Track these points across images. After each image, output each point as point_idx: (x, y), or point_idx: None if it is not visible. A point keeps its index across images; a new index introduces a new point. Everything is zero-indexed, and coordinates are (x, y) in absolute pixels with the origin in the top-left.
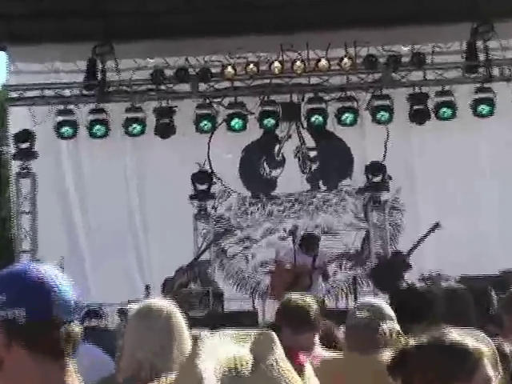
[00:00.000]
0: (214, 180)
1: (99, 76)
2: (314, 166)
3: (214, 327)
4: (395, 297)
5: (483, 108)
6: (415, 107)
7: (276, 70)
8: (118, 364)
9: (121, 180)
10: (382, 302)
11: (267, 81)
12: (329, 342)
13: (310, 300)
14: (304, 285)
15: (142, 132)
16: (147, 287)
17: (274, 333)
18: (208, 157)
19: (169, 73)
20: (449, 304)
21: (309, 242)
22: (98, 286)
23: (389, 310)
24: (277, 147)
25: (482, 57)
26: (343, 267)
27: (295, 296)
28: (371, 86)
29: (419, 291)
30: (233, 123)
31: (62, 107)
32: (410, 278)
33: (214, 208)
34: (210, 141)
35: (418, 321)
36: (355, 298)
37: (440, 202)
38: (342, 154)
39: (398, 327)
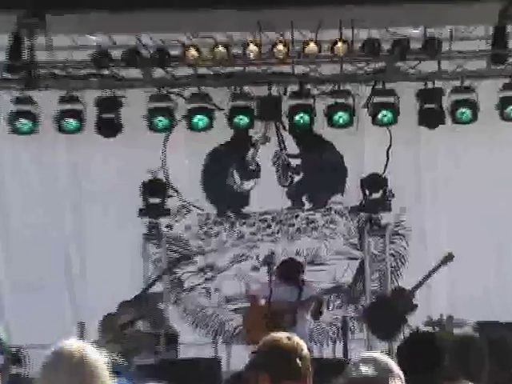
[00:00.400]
0: (170, 192)
1: (26, 55)
2: (297, 178)
3: (167, 378)
4: (398, 346)
5: None
6: (426, 106)
7: (251, 54)
8: None
9: (50, 189)
10: (386, 357)
11: (240, 68)
12: None
13: (297, 340)
14: (285, 326)
15: (79, 129)
16: (81, 325)
17: None
18: (163, 163)
19: (115, 54)
20: (461, 356)
21: (290, 270)
22: (19, 325)
23: (397, 368)
24: (250, 152)
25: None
26: (331, 306)
27: (277, 335)
28: (371, 78)
29: (426, 339)
30: (195, 120)
31: None
32: (415, 321)
33: (169, 227)
34: (165, 142)
35: (424, 375)
36: (345, 346)
37: (454, 228)
38: (332, 164)
39: None
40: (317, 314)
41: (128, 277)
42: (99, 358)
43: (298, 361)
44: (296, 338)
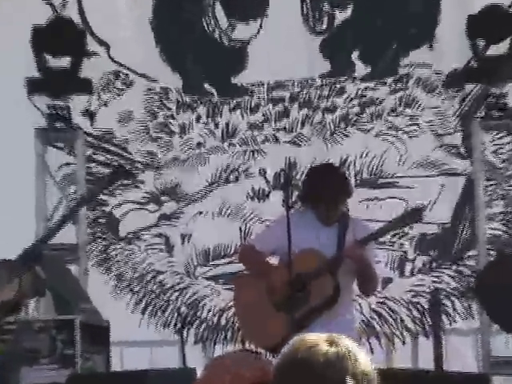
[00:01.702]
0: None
1: None
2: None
3: None
4: None
5: None
6: None
7: None
8: None
9: None
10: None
11: None
12: None
13: (348, 346)
14: (318, 310)
15: None
16: None
17: None
18: None
19: None
20: None
21: (329, 185)
22: None
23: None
24: None
25: None
26: (406, 266)
27: (310, 339)
28: None
29: None
30: None
31: None
32: None
33: (91, 115)
34: None
35: None
36: (437, 345)
37: None
38: None
39: None
40: (374, 282)
41: (13, 211)
42: None
43: None
44: (345, 343)
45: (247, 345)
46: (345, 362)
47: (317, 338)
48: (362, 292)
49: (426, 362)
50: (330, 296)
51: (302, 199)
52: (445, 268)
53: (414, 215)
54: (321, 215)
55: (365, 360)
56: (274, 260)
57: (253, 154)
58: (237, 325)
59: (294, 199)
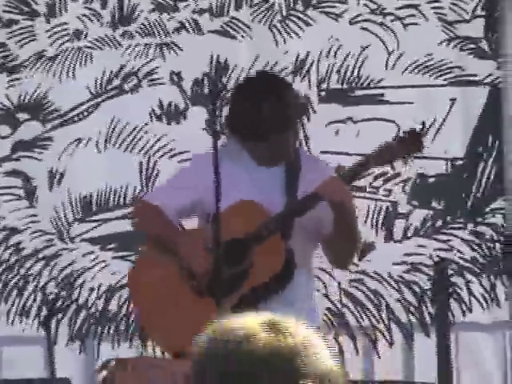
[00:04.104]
0: None
1: None
2: None
3: None
4: None
5: None
6: None
7: None
8: None
9: None
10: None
11: None
12: None
13: (306, 340)
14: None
15: None
16: None
17: None
18: None
19: None
20: None
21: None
22: None
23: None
24: None
25: None
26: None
27: (251, 325)
28: None
29: None
30: None
31: None
32: None
33: None
34: None
35: None
36: (442, 333)
37: None
38: None
39: None
40: (355, 245)
41: None
42: None
43: None
44: (292, 327)
45: (150, 346)
46: (295, 358)
47: (249, 323)
48: (335, 263)
49: (426, 374)
50: (281, 271)
51: (230, 129)
52: (456, 228)
53: (413, 141)
54: (258, 153)
55: (324, 353)
56: (190, 223)
57: (161, 50)
58: (134, 315)
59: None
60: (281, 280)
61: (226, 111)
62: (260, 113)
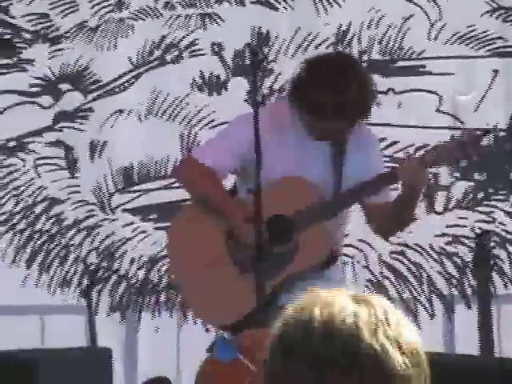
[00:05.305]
0: None
1: None
2: None
3: None
4: None
5: None
6: None
7: None
8: None
9: None
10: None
11: None
12: None
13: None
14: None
15: None
16: None
17: None
18: None
19: None
20: None
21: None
22: None
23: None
24: None
25: None
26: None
27: (326, 296)
28: None
29: None
30: None
31: None
32: None
33: None
34: None
35: None
36: (483, 308)
37: None
38: None
39: None
40: (409, 220)
41: None
42: None
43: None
44: (380, 301)
45: (191, 316)
46: (386, 328)
47: (337, 295)
48: (382, 233)
49: (467, 346)
50: (327, 258)
51: (294, 102)
52: (498, 200)
53: (474, 146)
54: (316, 128)
55: (409, 328)
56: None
57: (202, 21)
58: (173, 285)
59: (265, 91)
60: (326, 264)
61: (296, 80)
62: (345, 96)
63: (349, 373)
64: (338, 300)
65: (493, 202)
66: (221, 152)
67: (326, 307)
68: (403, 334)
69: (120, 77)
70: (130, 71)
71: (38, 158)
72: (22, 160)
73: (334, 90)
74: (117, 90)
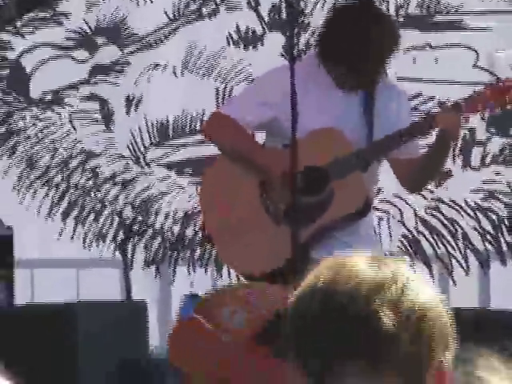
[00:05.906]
0: None
1: None
2: None
3: None
4: None
5: None
6: None
7: None
8: None
9: None
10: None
11: None
12: None
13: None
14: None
15: None
16: None
17: None
18: None
19: None
20: None
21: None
22: None
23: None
24: None
25: None
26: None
27: (353, 261)
28: None
29: None
30: None
31: None
32: None
33: None
34: None
35: None
36: None
37: None
38: None
39: None
40: (438, 172)
41: None
42: None
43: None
44: (399, 266)
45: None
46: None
47: (353, 258)
48: (410, 187)
49: (502, 301)
50: (361, 208)
51: (322, 54)
52: None
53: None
54: (343, 78)
55: (424, 291)
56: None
57: None
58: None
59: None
60: (358, 215)
61: (321, 31)
62: (365, 41)
63: (338, 334)
64: (349, 263)
65: None
66: (252, 104)
67: (336, 268)
68: (406, 297)
69: (155, 30)
70: (167, 25)
71: (74, 112)
72: (59, 114)
73: (359, 38)
74: (153, 44)
